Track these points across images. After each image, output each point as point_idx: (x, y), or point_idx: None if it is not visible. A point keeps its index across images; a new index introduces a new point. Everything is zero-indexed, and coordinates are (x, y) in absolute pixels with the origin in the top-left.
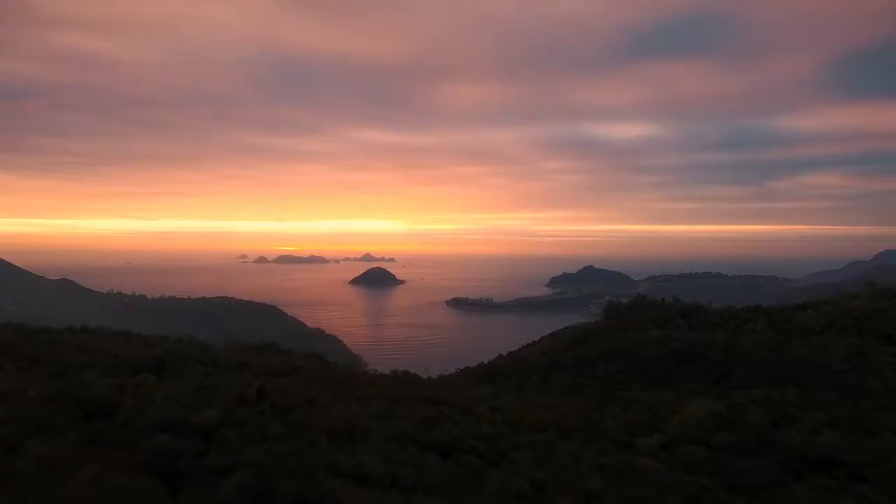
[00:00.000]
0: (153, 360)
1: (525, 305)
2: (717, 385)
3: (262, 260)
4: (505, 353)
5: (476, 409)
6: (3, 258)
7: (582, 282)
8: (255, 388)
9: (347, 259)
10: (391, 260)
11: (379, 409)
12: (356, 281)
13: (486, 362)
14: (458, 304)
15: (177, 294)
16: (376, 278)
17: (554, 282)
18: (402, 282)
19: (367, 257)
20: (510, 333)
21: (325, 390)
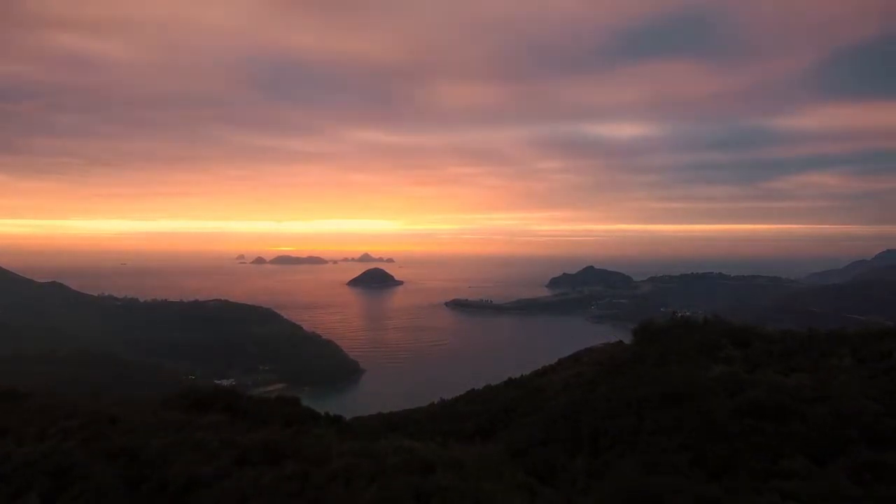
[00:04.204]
0: None
1: (525, 307)
2: (831, 459)
3: (259, 261)
4: (515, 374)
5: None
6: None
7: (582, 283)
8: None
9: (346, 259)
10: (390, 260)
11: None
12: (354, 282)
13: (493, 385)
14: (457, 305)
15: (170, 296)
16: (375, 279)
17: (554, 283)
18: (401, 283)
19: (366, 257)
20: (512, 337)
21: None
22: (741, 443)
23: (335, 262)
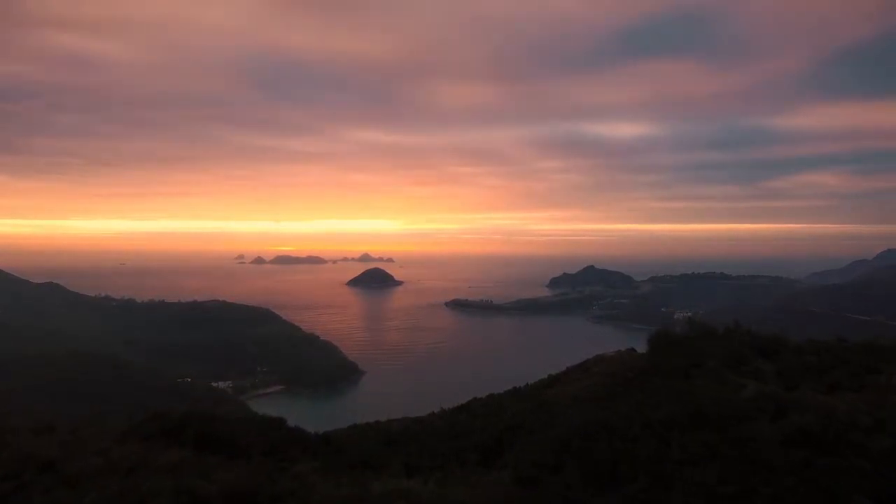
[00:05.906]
0: None
1: (526, 307)
2: None
3: (259, 261)
4: (516, 377)
5: None
6: None
7: (583, 283)
8: None
9: (345, 259)
10: (389, 260)
11: None
12: (354, 282)
13: (496, 395)
14: (458, 305)
15: (167, 297)
16: (375, 279)
17: (554, 282)
18: (400, 283)
19: (365, 257)
20: (513, 337)
21: None
22: (791, 479)
23: (335, 262)
